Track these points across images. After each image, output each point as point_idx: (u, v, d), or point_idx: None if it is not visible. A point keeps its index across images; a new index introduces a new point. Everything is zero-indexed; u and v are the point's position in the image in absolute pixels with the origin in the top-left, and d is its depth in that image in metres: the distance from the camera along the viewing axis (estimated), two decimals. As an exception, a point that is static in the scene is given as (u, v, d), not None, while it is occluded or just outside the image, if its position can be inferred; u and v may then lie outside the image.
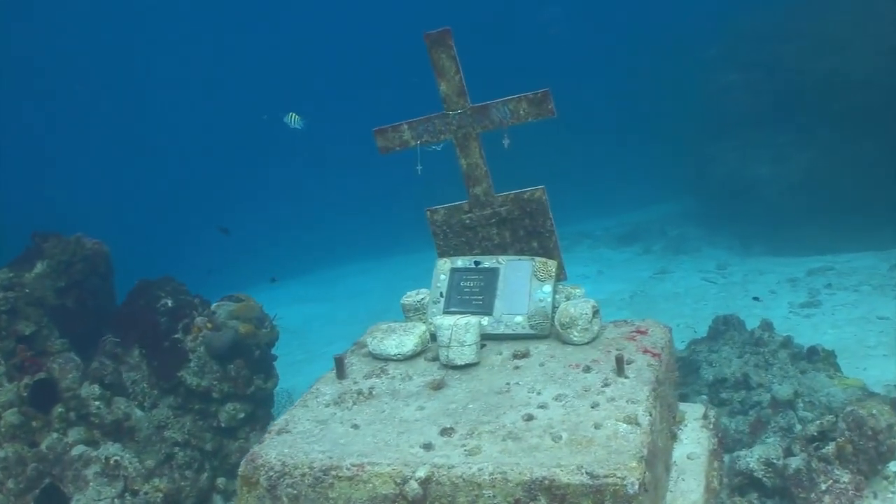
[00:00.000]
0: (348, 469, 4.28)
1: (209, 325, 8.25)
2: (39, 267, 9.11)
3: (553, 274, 5.68)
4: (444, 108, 5.76)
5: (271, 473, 4.44)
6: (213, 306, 8.68)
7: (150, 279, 9.08)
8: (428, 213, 6.09)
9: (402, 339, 5.54)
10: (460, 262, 5.95)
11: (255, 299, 8.86)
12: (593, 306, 5.37)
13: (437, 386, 5.06)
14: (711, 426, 5.63)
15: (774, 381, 9.11)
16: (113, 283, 9.94)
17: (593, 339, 5.38)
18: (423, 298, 5.97)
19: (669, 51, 26.83)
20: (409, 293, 6.09)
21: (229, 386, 8.29)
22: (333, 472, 4.31)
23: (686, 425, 5.57)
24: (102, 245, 9.68)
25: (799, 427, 8.51)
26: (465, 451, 4.23)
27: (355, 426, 4.74)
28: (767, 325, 10.22)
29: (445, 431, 4.46)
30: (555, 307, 5.59)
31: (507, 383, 4.96)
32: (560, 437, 4.22)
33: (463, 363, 5.23)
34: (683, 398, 9.55)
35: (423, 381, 5.20)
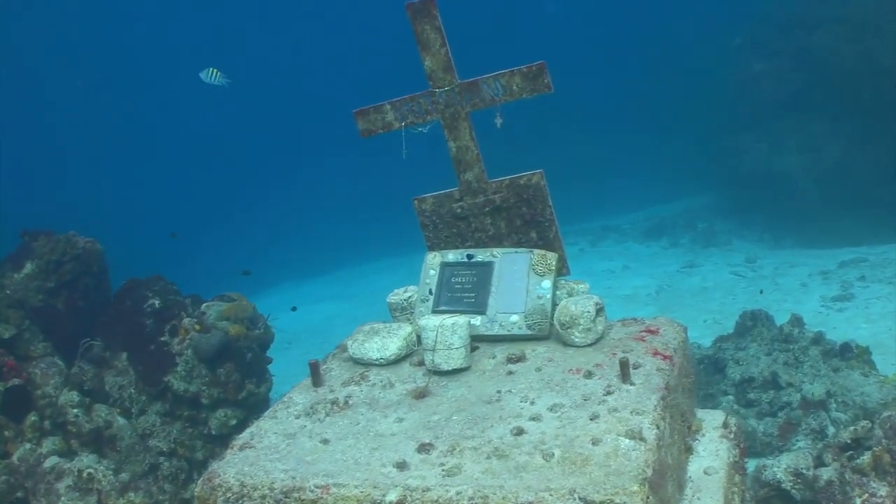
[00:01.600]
0: (312, 491, 3.75)
1: (197, 327, 7.76)
2: (29, 267, 8.69)
3: (553, 268, 5.10)
4: (429, 85, 5.20)
5: (229, 495, 3.92)
6: (203, 306, 8.19)
7: (138, 278, 8.61)
8: (415, 202, 5.54)
9: (385, 341, 4.99)
10: (451, 255, 5.39)
11: (247, 299, 8.36)
12: (596, 303, 4.80)
13: (420, 394, 4.51)
14: (732, 436, 5.03)
15: (805, 380, 8.65)
16: (109, 284, 9.49)
17: (597, 340, 4.81)
18: (410, 296, 5.42)
19: (694, 40, 26.23)
20: (396, 291, 5.55)
21: (219, 391, 7.81)
22: (295, 495, 3.78)
23: (703, 435, 4.98)
24: (96, 244, 9.24)
25: (832, 429, 8.07)
26: (444, 470, 3.68)
27: (325, 441, 4.20)
28: (797, 321, 9.66)
29: (423, 448, 3.91)
30: (555, 304, 5.01)
31: (499, 391, 4.39)
32: (552, 455, 3.66)
33: (450, 368, 4.67)
34: (710, 398, 9.07)
35: (406, 388, 4.65)
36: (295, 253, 27.57)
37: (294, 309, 12.56)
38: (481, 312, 5.10)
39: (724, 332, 10.49)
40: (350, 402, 4.60)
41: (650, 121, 27.04)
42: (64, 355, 8.20)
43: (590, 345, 4.77)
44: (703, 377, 9.49)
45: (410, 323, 5.25)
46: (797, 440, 8.21)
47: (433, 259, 5.42)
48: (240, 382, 7.89)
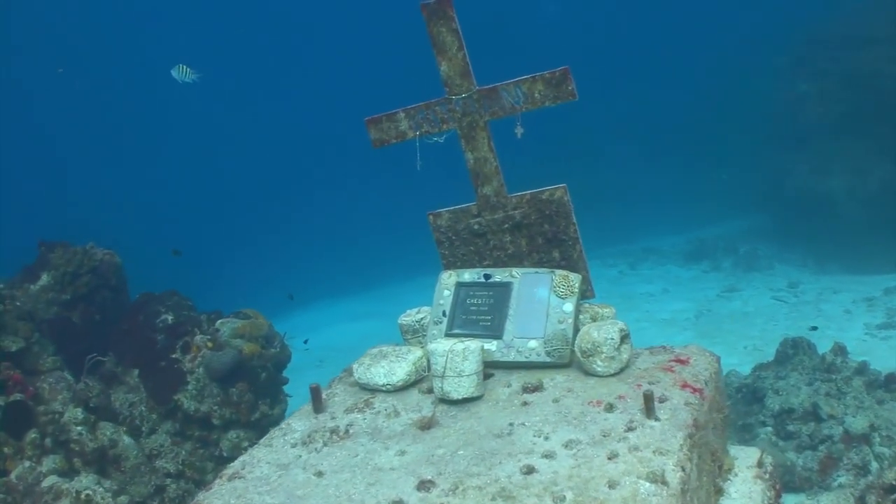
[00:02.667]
0: (298, 531, 3.41)
1: (209, 344, 7.46)
2: (45, 278, 8.47)
3: (576, 290, 4.72)
4: (445, 92, 4.86)
5: (212, 530, 3.60)
6: (218, 323, 7.90)
7: (152, 293, 8.35)
8: (430, 217, 5.20)
9: (392, 366, 4.64)
10: (467, 275, 5.02)
11: (263, 316, 8.03)
12: (621, 330, 4.41)
13: (426, 425, 4.15)
14: (767, 476, 4.61)
15: (848, 412, 8.24)
16: (127, 297, 9.25)
17: (621, 370, 4.42)
18: (423, 318, 5.07)
19: (739, 60, 25.73)
20: (408, 311, 5.19)
21: (231, 412, 7.50)
22: (281, 534, 3.44)
23: (736, 475, 4.56)
24: (114, 256, 9.02)
25: (875, 465, 7.68)
26: (443, 512, 3.33)
27: (319, 473, 3.86)
28: (840, 349, 9.22)
29: (424, 485, 3.56)
30: (578, 330, 4.63)
31: (511, 424, 4.02)
32: (563, 499, 3.29)
33: (460, 397, 4.31)
34: (747, 429, 8.69)
35: (412, 418, 4.29)
36: (333, 270, 27.36)
37: (306, 342, 12.24)
38: (497, 337, 4.73)
39: (765, 360, 10.06)
40: (351, 431, 4.25)
41: (694, 141, 26.57)
42: (78, 369, 7.95)
43: (613, 374, 4.38)
44: (741, 407, 9.10)
45: (422, 346, 4.89)
46: (838, 476, 7.81)
47: (448, 278, 5.07)
48: (253, 403, 7.58)
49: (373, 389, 4.69)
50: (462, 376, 4.29)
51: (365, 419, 4.38)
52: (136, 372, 7.84)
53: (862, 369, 8.84)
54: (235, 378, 7.52)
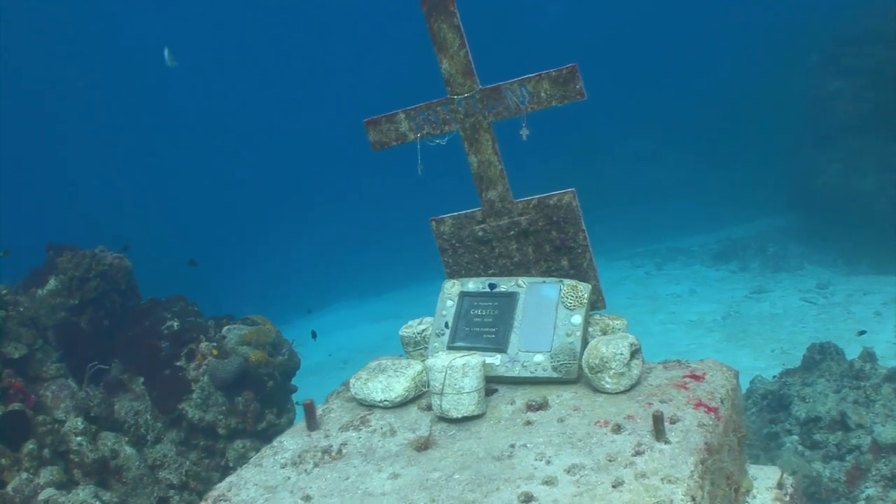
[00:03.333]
0: (279, 562, 3.17)
1: (214, 352, 7.25)
2: (52, 282, 8.29)
3: (585, 301, 4.46)
4: (447, 91, 4.60)
5: (192, 560, 3.37)
6: (225, 330, 7.68)
7: (159, 298, 8.15)
8: (433, 223, 4.94)
9: (390, 381, 4.40)
10: (471, 284, 4.77)
11: (271, 322, 7.82)
12: (632, 344, 4.14)
13: (423, 445, 3.91)
14: (788, 498, 4.33)
15: (877, 420, 7.91)
16: (139, 302, 9.06)
17: (632, 387, 4.14)
18: (425, 329, 4.82)
19: (770, 58, 25.36)
20: (409, 322, 4.95)
21: (237, 421, 7.29)
22: (261, 565, 3.21)
23: (755, 497, 4.28)
24: (124, 259, 8.82)
25: None
26: (433, 545, 3.08)
27: (307, 498, 3.64)
28: (869, 356, 8.88)
29: (414, 514, 3.31)
30: (587, 342, 4.36)
31: (512, 445, 3.77)
32: (562, 533, 3.02)
33: (459, 416, 4.06)
34: (772, 437, 8.42)
35: (408, 437, 4.05)
36: (356, 271, 27.27)
37: (309, 311, 12.03)
38: (502, 350, 4.48)
39: (792, 363, 9.76)
40: (344, 450, 4.02)
41: (724, 140, 26.23)
42: (84, 376, 7.80)
43: (623, 392, 4.11)
44: (766, 414, 8.81)
45: (423, 360, 4.65)
46: (866, 487, 7.48)
47: (451, 288, 4.82)
48: (259, 412, 7.37)
49: (370, 405, 4.46)
50: (461, 394, 4.04)
51: (360, 438, 4.14)
52: (141, 379, 7.64)
53: (892, 376, 8.48)
54: (241, 386, 7.32)
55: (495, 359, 4.46)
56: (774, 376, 9.52)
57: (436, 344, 4.67)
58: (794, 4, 26.06)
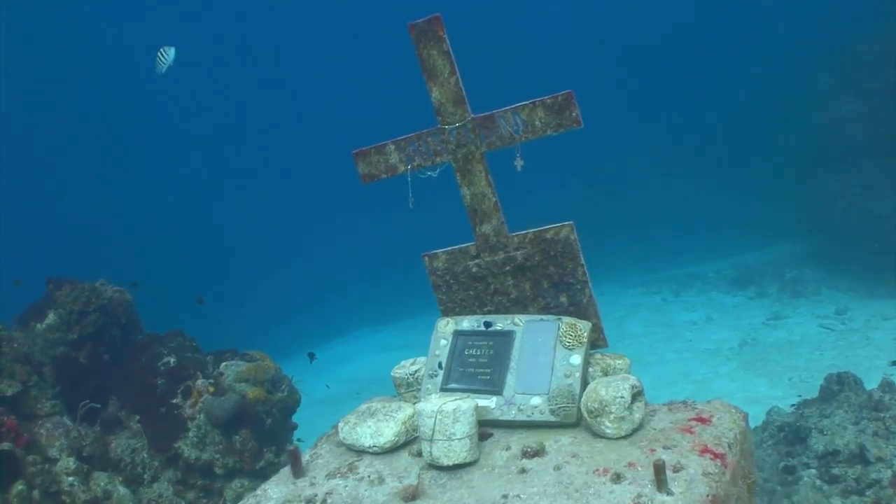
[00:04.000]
0: None
1: (211, 389, 7.05)
2: (51, 317, 8.13)
3: (584, 340, 4.23)
4: (438, 121, 4.40)
5: None
6: (223, 366, 7.48)
7: (156, 333, 7.97)
8: (425, 258, 4.74)
9: (379, 425, 4.18)
10: (466, 322, 4.56)
11: (270, 358, 7.61)
12: (633, 386, 3.91)
13: (411, 495, 3.69)
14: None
15: (897, 454, 7.52)
16: (140, 336, 8.89)
17: (634, 431, 3.91)
18: (418, 370, 4.61)
19: (784, 81, 25.14)
20: (402, 362, 4.74)
21: (235, 460, 7.07)
22: None
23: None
24: (124, 293, 8.66)
25: None
26: None
27: (287, 555, 3.41)
28: (889, 386, 8.61)
29: (397, 575, 3.08)
30: (587, 383, 4.14)
31: (505, 496, 3.55)
32: None
33: (451, 464, 3.84)
34: (789, 471, 8.20)
35: (396, 486, 3.83)
36: (370, 300, 27.12)
37: (311, 355, 11.79)
38: (497, 392, 4.25)
39: (810, 391, 9.60)
40: (329, 500, 3.80)
41: (739, 163, 26.01)
42: (99, 408, 7.64)
43: (624, 436, 3.88)
44: (782, 447, 8.56)
45: (417, 402, 4.43)
46: (887, 525, 7.20)
47: (445, 326, 4.60)
48: (257, 451, 7.15)
49: (359, 451, 4.24)
50: (452, 440, 3.81)
51: (346, 486, 3.92)
52: (138, 417, 7.44)
53: (913, 408, 8.24)
54: (239, 424, 7.10)
55: (490, 401, 4.23)
56: (792, 405, 9.27)
57: (428, 386, 4.45)
58: (807, 27, 25.86)
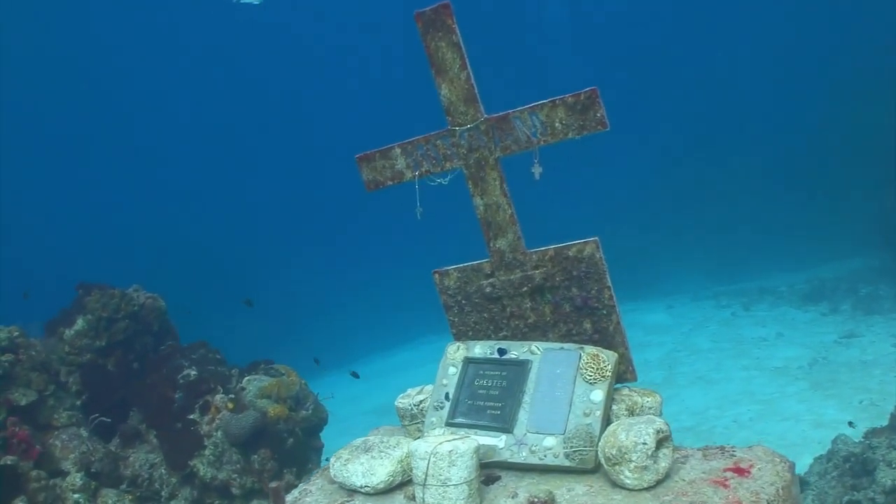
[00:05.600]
0: None
1: (230, 405, 6.65)
2: (80, 323, 7.85)
3: (608, 373, 3.70)
4: (447, 122, 3.91)
5: None
6: (245, 381, 7.09)
7: (178, 344, 7.63)
8: (435, 276, 4.25)
9: (372, 463, 3.71)
10: (478, 348, 4.06)
11: (296, 373, 7.20)
12: (659, 430, 3.37)
13: (397, 551, 3.20)
14: None
15: (976, 491, 7.02)
16: (176, 344, 8.58)
17: (658, 482, 3.37)
18: (423, 400, 4.12)
19: (863, 91, 24.18)
20: (408, 390, 4.26)
21: (253, 480, 6.68)
22: None
23: None
24: (158, 300, 8.36)
25: None
26: None
27: None
28: (967, 414, 7.95)
29: None
30: (610, 422, 3.62)
31: (502, 556, 3.04)
32: None
33: (445, 513, 3.34)
34: None
35: (383, 538, 3.34)
36: (429, 307, 26.78)
37: (356, 375, 11.41)
38: (507, 430, 3.75)
39: (881, 417, 8.94)
40: (307, 551, 3.33)
41: (815, 175, 25.11)
42: (110, 422, 7.33)
43: (647, 488, 3.34)
44: (847, 479, 7.92)
45: (421, 435, 3.95)
46: (962, 570, 6.60)
47: (455, 352, 4.11)
48: (277, 472, 6.74)
49: (351, 490, 3.77)
50: (447, 486, 3.32)
51: (329, 534, 3.46)
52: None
53: None
54: (258, 443, 6.71)
55: (499, 440, 3.73)
56: (862, 435, 8.62)
57: (433, 419, 3.96)
58: (885, 37, 24.89)
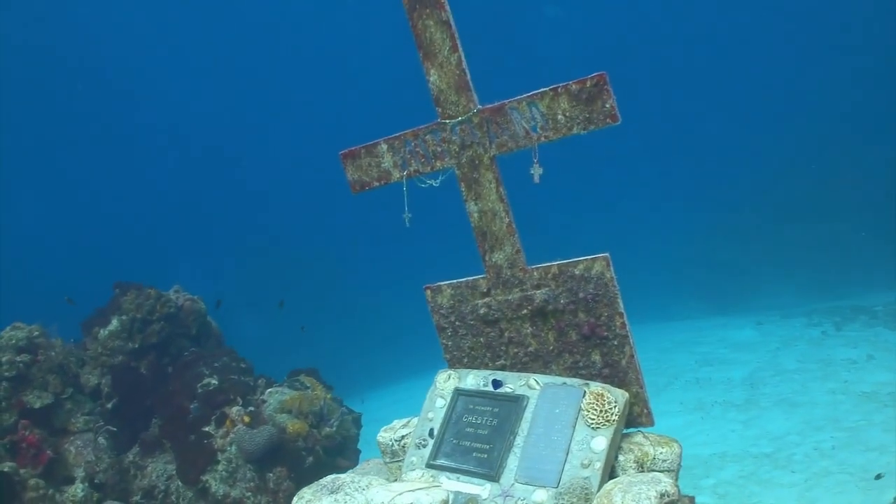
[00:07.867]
0: None
1: (246, 419, 6.20)
2: (114, 323, 7.53)
3: (614, 417, 3.09)
4: (437, 113, 3.34)
5: None
6: (267, 393, 6.62)
7: (202, 351, 7.22)
8: (427, 292, 3.67)
9: (335, 509, 3.16)
10: (471, 378, 3.48)
11: (322, 386, 6.70)
12: (664, 494, 2.74)
13: None
14: None
15: None
16: (216, 347, 8.21)
17: (662, 558, 2.74)
18: (406, 435, 3.55)
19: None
20: (393, 423, 3.71)
21: (267, 500, 6.20)
22: None
23: None
24: (198, 302, 8.02)
25: None
26: None
27: None
28: None
29: None
30: (614, 476, 3.00)
31: None
32: None
33: (401, 580, 2.78)
34: None
35: None
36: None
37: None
38: (492, 479, 3.16)
39: None
40: None
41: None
42: (140, 425, 6.99)
43: (647, 564, 2.72)
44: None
45: (402, 475, 3.39)
46: None
47: (444, 382, 3.54)
48: (293, 492, 6.23)
49: (309, 539, 3.24)
50: (405, 547, 2.76)
51: None
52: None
53: None
54: (274, 461, 6.24)
55: (483, 489, 3.15)
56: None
57: (413, 458, 3.40)
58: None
